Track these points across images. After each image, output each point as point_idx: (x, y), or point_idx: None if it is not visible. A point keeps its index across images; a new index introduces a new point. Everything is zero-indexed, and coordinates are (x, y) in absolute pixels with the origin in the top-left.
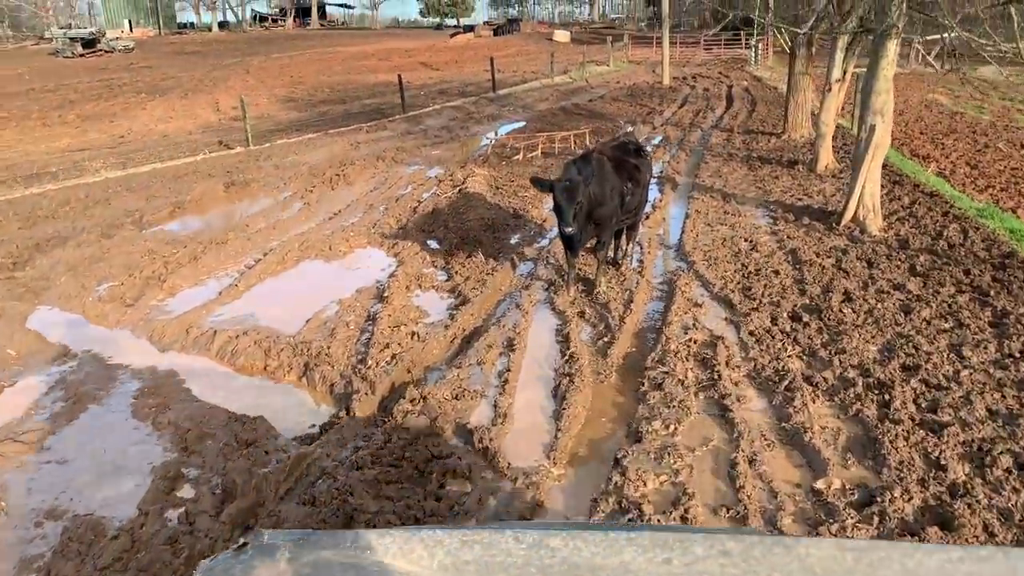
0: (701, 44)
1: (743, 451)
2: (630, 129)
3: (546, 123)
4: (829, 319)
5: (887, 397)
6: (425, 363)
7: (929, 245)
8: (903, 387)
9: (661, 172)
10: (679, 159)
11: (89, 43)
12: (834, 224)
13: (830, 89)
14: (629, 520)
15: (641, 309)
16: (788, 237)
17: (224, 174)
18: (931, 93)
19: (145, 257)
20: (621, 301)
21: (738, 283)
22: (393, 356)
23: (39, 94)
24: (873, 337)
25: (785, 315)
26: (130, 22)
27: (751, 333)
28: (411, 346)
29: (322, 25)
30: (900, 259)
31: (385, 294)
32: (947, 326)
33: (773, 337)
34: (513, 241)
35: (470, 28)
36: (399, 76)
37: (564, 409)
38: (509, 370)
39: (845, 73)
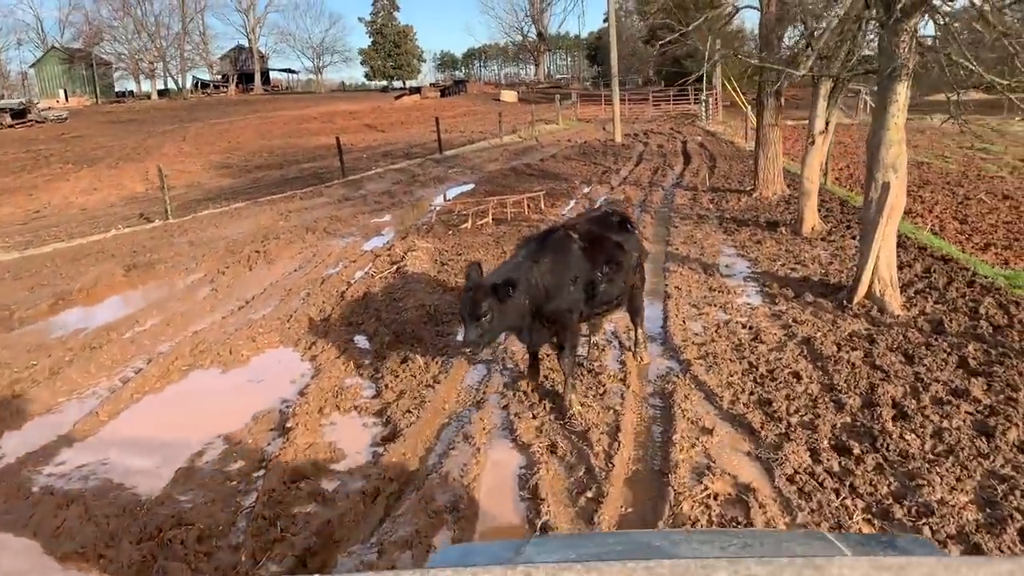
0: (650, 100)
1: None
2: (586, 189)
3: (496, 185)
4: (888, 449)
5: None
6: (332, 544)
7: (970, 328)
8: None
9: None
10: (645, 223)
11: (19, 114)
12: (845, 302)
13: (813, 142)
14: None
15: (632, 439)
16: (795, 321)
17: (130, 254)
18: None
19: None
20: (604, 427)
21: (751, 393)
22: (282, 538)
23: None
24: (959, 480)
25: (827, 444)
26: (66, 92)
27: (790, 479)
28: (312, 516)
29: (266, 91)
30: (944, 350)
31: (289, 424)
32: None
33: (822, 485)
34: (461, 336)
35: (416, 90)
36: (337, 138)
37: None
38: None
39: (827, 124)
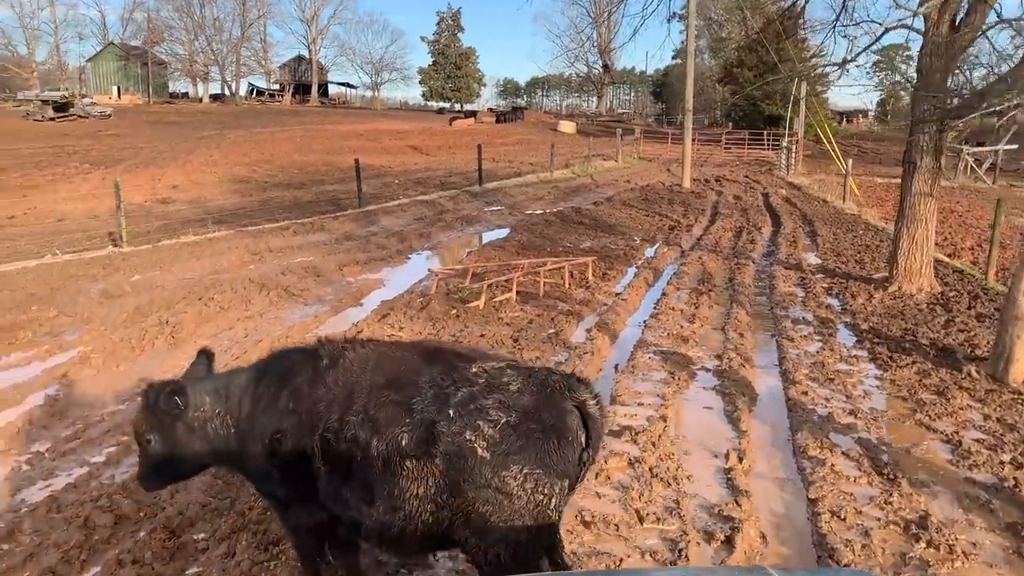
0: (722, 143)
1: None
2: (650, 251)
3: (535, 235)
4: None
5: None
6: None
7: None
8: None
9: (720, 353)
10: (739, 323)
11: (61, 107)
12: None
13: None
14: None
15: None
16: None
17: (10, 304)
18: (1010, 214)
19: None
20: None
21: None
22: None
23: None
24: None
25: None
26: (119, 88)
27: None
28: None
29: (322, 103)
30: None
31: None
32: None
33: None
34: None
35: (472, 114)
36: (356, 161)
37: None
38: None
39: None
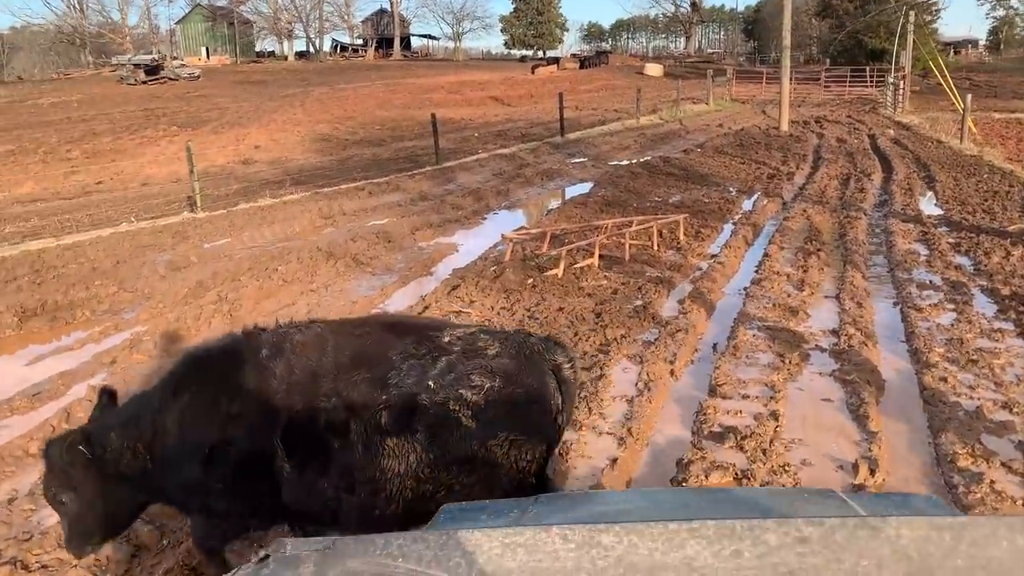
0: (821, 80)
1: None
2: (747, 203)
3: (620, 189)
4: None
5: None
6: None
7: None
8: None
9: (836, 328)
10: (855, 289)
11: (152, 70)
12: None
13: None
14: None
15: None
16: None
17: (70, 281)
18: None
19: None
20: None
21: None
22: None
23: (72, 123)
24: None
25: None
26: (207, 50)
27: None
28: None
29: (405, 56)
30: None
31: None
32: None
33: None
34: None
35: (555, 60)
36: (433, 116)
37: None
38: None
39: None
